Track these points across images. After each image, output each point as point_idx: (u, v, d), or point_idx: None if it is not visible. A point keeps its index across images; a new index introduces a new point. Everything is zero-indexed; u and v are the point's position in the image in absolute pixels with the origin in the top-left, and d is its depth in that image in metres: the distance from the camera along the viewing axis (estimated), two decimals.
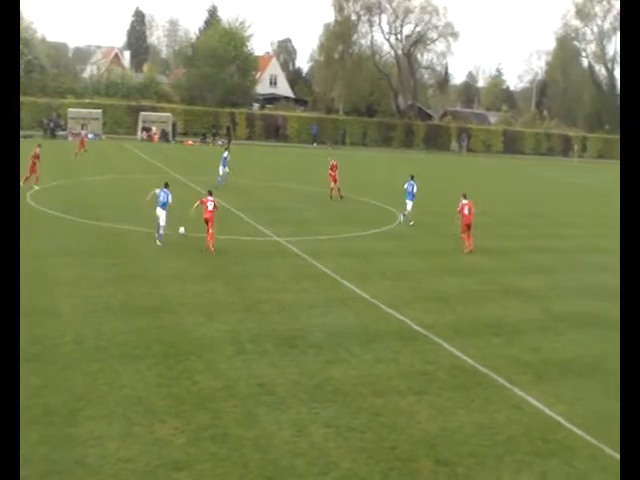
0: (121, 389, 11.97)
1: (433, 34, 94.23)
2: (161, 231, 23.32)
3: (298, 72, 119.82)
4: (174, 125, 73.62)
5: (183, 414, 11.23)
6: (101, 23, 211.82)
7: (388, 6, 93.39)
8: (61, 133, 65.95)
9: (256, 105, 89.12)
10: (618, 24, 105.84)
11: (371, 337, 15.56)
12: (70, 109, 68.19)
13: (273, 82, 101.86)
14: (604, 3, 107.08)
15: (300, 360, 13.89)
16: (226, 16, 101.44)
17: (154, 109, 74.59)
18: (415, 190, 30.60)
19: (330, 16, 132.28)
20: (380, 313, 17.49)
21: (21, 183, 31.38)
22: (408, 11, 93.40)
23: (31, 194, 30.55)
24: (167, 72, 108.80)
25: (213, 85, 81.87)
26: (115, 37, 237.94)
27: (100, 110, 69.69)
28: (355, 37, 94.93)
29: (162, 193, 23.37)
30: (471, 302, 19.17)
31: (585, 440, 11.41)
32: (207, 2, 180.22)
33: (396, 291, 19.69)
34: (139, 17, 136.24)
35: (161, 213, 23.23)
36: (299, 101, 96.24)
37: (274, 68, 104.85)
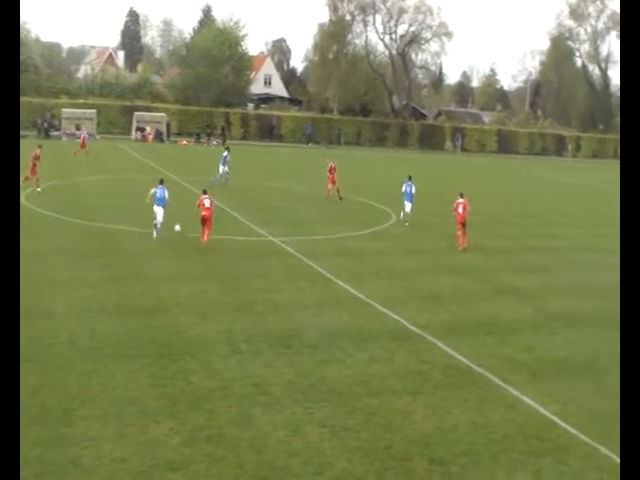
0: (115, 389, 11.95)
1: (427, 34, 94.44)
2: (158, 225, 23.70)
3: (292, 72, 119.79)
4: (168, 125, 73.53)
5: (177, 414, 11.21)
6: (95, 23, 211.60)
7: (382, 6, 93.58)
8: (55, 133, 65.82)
9: (250, 105, 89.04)
10: (611, 24, 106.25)
11: (366, 337, 15.57)
12: (64, 109, 68.10)
13: (267, 82, 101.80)
14: (597, 3, 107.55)
15: (295, 360, 13.88)
16: (220, 16, 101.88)
17: (148, 109, 74.47)
18: (414, 190, 30.66)
19: (324, 16, 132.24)
20: (375, 313, 17.50)
21: (37, 188, 31.43)
22: (402, 11, 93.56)
23: (26, 194, 30.46)
24: (161, 72, 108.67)
25: (207, 85, 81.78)
26: (109, 37, 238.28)
27: (94, 110, 69.55)
28: (349, 37, 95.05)
29: (158, 190, 23.83)
30: (465, 301, 19.19)
31: (579, 439, 11.44)
32: (201, 2, 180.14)
33: (390, 290, 19.71)
34: (133, 17, 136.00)
35: (158, 210, 23.60)
36: (293, 101, 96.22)
37: (268, 68, 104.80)
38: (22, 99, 65.41)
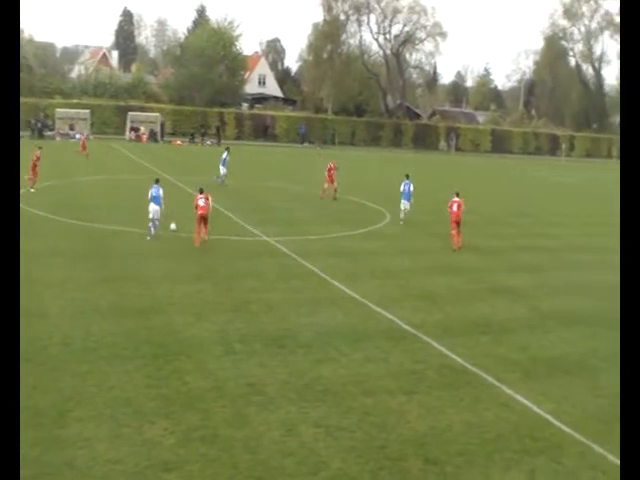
0: (110, 390, 11.94)
1: (421, 34, 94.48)
2: (154, 224, 23.88)
3: (287, 72, 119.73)
4: (162, 125, 73.41)
5: (172, 415, 11.21)
6: (89, 23, 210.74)
7: (377, 6, 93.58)
8: (49, 133, 65.63)
9: (245, 105, 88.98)
10: (605, 24, 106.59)
11: (360, 336, 15.59)
12: (58, 109, 67.93)
13: (262, 82, 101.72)
14: (591, 3, 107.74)
15: (289, 360, 13.90)
16: (215, 16, 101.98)
17: (142, 109, 74.34)
18: (412, 189, 30.73)
19: (319, 16, 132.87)
20: (369, 312, 17.52)
21: (30, 188, 31.39)
22: (396, 11, 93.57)
23: (21, 195, 30.37)
24: (155, 72, 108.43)
25: (202, 85, 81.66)
26: (103, 37, 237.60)
27: (88, 110, 69.40)
28: (344, 37, 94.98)
29: (153, 189, 24.13)
30: (459, 301, 19.23)
31: (573, 437, 11.48)
32: (195, 2, 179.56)
33: (385, 290, 19.73)
34: (127, 17, 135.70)
35: (153, 208, 23.82)
36: (288, 101, 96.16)
37: (263, 68, 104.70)
38: None
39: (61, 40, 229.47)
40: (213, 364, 13.42)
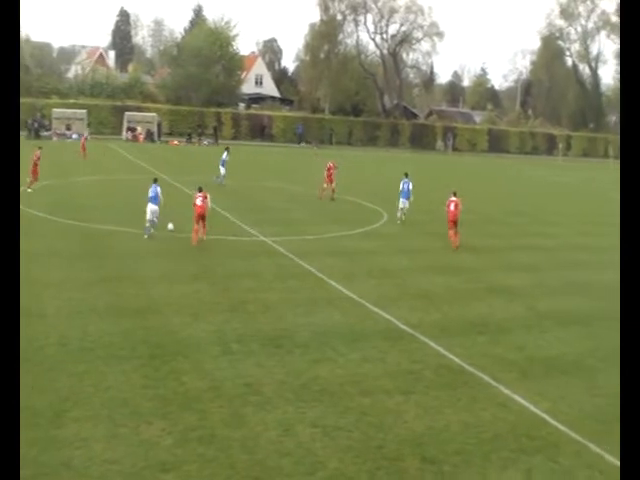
0: (107, 390, 11.93)
1: (418, 33, 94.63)
2: (150, 224, 23.92)
3: (284, 72, 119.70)
4: (159, 125, 73.39)
5: (169, 415, 11.20)
6: (86, 23, 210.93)
7: (373, 6, 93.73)
8: (45, 133, 65.55)
9: (242, 105, 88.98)
10: (602, 24, 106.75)
11: (357, 336, 15.59)
12: (54, 109, 67.92)
13: (259, 82, 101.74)
14: (588, 3, 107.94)
15: (286, 360, 13.89)
16: (211, 16, 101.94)
17: (139, 109, 74.32)
18: (411, 187, 30.77)
19: (316, 16, 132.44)
20: (366, 312, 17.52)
21: (27, 189, 31.36)
22: (393, 11, 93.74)
23: None
24: (152, 72, 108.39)
25: (198, 85, 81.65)
26: (100, 37, 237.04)
27: (85, 110, 69.39)
28: (341, 37, 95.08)
29: (151, 188, 24.22)
30: (456, 300, 19.24)
31: (570, 437, 11.49)
32: (192, 2, 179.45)
33: (382, 290, 19.73)
34: (124, 17, 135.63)
35: (150, 208, 23.88)
36: (285, 101, 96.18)
37: (260, 68, 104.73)
38: None
39: (58, 40, 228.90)
40: (210, 364, 13.41)
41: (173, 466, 9.76)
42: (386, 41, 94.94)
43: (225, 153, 40.10)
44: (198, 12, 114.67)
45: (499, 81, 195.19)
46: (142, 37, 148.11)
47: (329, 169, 36.96)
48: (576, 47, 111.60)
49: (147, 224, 23.89)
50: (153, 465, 9.74)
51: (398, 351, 14.87)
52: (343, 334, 15.63)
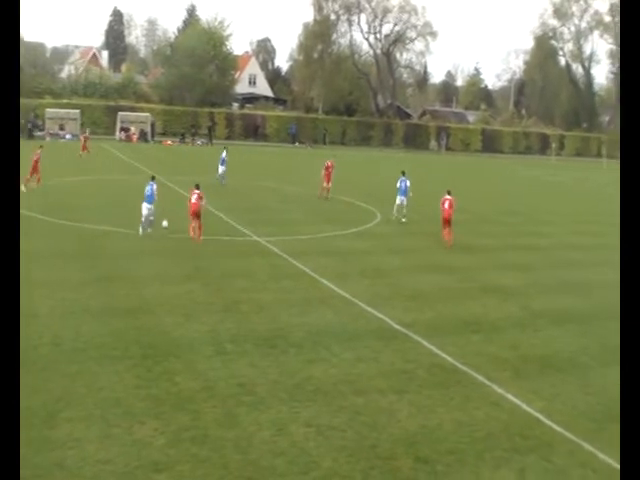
0: (100, 391, 11.89)
1: (412, 33, 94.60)
2: (144, 220, 24.09)
3: (277, 71, 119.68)
4: (153, 125, 73.23)
5: (162, 415, 11.18)
6: (79, 23, 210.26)
7: (367, 5, 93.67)
8: (39, 134, 65.34)
9: (235, 105, 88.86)
10: (595, 23, 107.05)
11: (351, 336, 15.59)
12: (48, 109, 67.66)
13: (252, 82, 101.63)
14: (581, 3, 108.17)
15: (280, 360, 13.88)
16: (205, 15, 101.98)
17: (132, 109, 74.12)
18: (408, 184, 30.87)
19: (309, 15, 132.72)
20: (360, 312, 17.52)
21: (33, 185, 31.49)
22: (387, 10, 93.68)
23: None
24: (146, 72, 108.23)
25: (192, 85, 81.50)
26: (93, 37, 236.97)
27: (78, 110, 69.18)
28: (334, 36, 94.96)
29: (147, 187, 24.41)
30: (450, 300, 19.25)
31: (563, 436, 11.50)
32: (186, 1, 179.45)
33: (375, 289, 19.74)
34: (117, 17, 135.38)
35: (145, 206, 24.07)
36: (278, 100, 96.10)
37: (253, 67, 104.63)
38: None
39: (51, 40, 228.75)
40: (203, 364, 13.39)
41: (166, 466, 9.74)
42: (380, 41, 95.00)
43: (224, 152, 40.35)
44: (191, 12, 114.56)
45: (492, 81, 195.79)
46: (135, 37, 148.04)
47: (327, 168, 36.95)
48: (569, 47, 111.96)
49: (142, 219, 24.15)
50: (146, 465, 9.72)
51: (391, 350, 14.88)
52: (337, 334, 15.63)
